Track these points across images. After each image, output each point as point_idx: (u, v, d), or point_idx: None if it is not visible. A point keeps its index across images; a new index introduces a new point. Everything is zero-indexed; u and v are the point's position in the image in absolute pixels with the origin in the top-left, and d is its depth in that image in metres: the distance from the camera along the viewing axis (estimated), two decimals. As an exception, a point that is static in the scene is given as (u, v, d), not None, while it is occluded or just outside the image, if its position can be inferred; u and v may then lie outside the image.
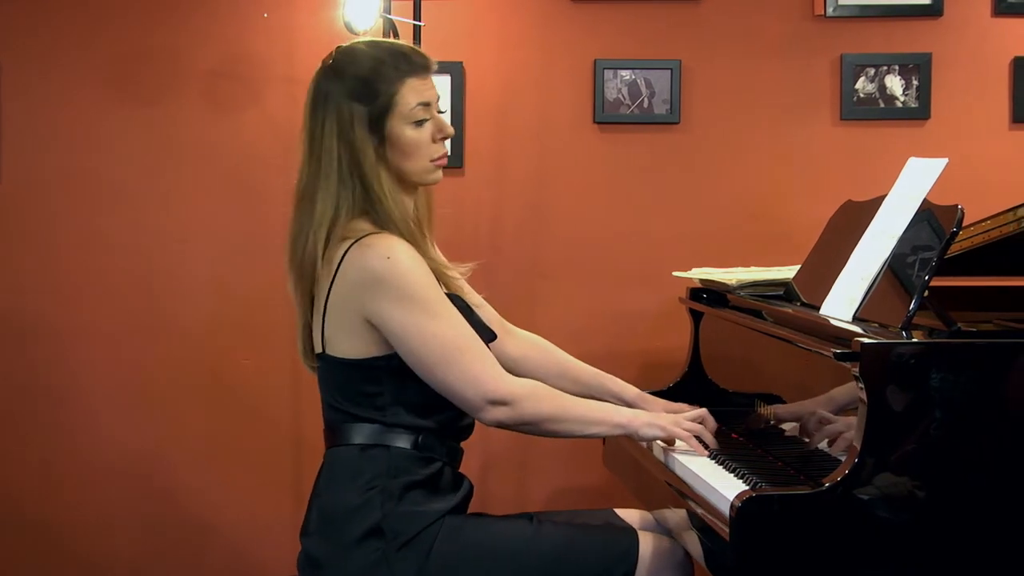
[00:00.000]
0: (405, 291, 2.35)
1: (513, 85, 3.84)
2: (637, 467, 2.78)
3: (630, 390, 2.80)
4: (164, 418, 3.84)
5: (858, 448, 2.20)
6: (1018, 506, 2.24)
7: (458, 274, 2.53)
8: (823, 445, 2.46)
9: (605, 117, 3.82)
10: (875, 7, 3.81)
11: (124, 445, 3.84)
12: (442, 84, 3.77)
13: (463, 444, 2.55)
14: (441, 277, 2.46)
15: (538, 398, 2.42)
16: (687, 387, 3.18)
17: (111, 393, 3.83)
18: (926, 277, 2.38)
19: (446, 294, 2.43)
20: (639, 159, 3.84)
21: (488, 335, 2.52)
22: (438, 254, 2.58)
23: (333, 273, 2.40)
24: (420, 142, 2.45)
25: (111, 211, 3.81)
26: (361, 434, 2.43)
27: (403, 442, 2.42)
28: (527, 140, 3.84)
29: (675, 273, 3.32)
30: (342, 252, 2.39)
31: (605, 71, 3.80)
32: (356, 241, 2.38)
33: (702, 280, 3.23)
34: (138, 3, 3.78)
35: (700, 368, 3.21)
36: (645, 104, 3.82)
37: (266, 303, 3.82)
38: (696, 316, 3.25)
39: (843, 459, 2.25)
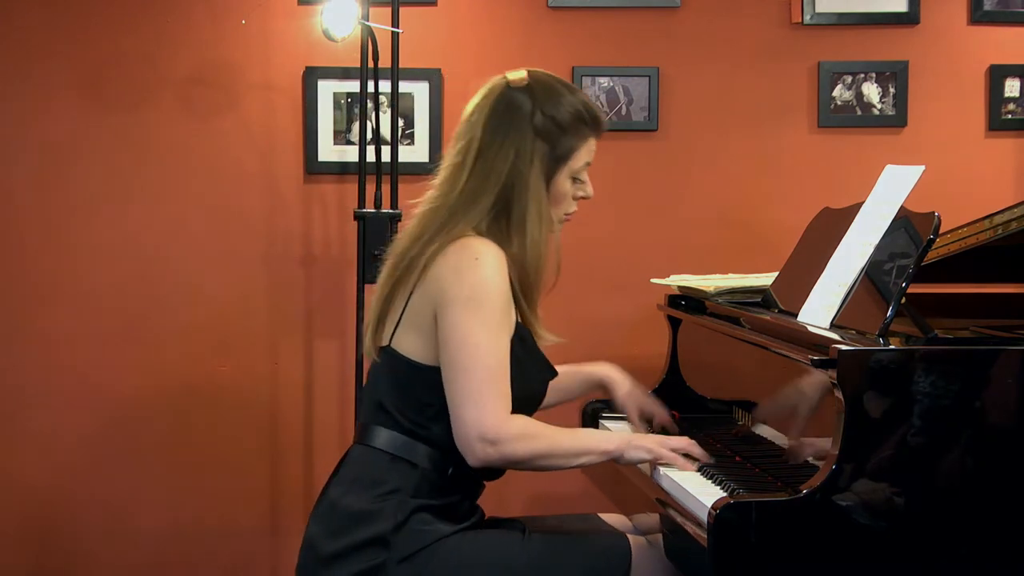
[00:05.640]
0: (475, 292, 2.34)
1: (491, 92, 3.83)
2: (616, 474, 2.78)
3: (600, 368, 2.84)
4: (140, 425, 3.82)
5: (836, 454, 2.20)
6: (995, 511, 2.25)
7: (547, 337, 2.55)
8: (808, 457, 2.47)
9: (583, 124, 3.82)
10: (852, 15, 3.83)
11: (99, 451, 3.82)
12: (420, 91, 3.77)
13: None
14: (527, 319, 2.48)
15: (527, 438, 2.38)
16: (665, 394, 3.17)
17: (86, 399, 3.81)
18: (903, 284, 2.39)
19: (516, 323, 2.44)
20: (617, 166, 3.84)
21: (547, 372, 2.55)
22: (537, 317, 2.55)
23: (423, 268, 2.40)
24: (567, 196, 2.51)
25: (86, 217, 3.79)
26: (393, 442, 2.42)
27: (431, 464, 2.41)
28: (505, 147, 3.83)
29: (653, 280, 3.32)
30: (438, 250, 2.40)
31: (583, 78, 3.80)
32: (455, 241, 2.40)
33: (680, 287, 3.23)
34: (114, 9, 3.77)
35: (678, 375, 3.22)
36: (623, 111, 3.83)
37: (243, 310, 3.81)
38: (674, 323, 3.25)
39: (822, 466, 2.25)
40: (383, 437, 2.44)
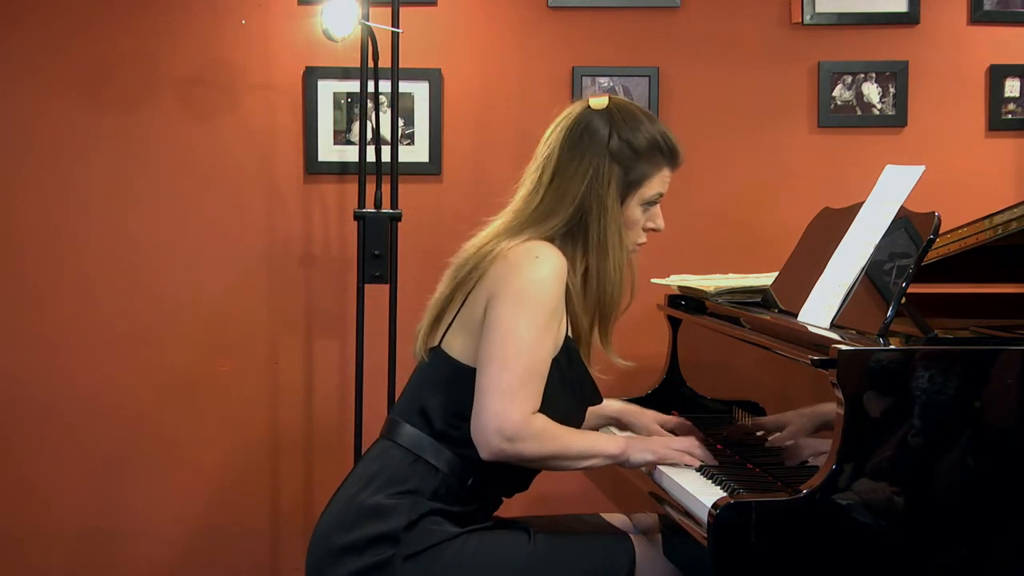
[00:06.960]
0: (527, 287, 2.36)
1: (491, 92, 3.83)
2: (616, 474, 2.78)
3: (611, 405, 2.82)
4: (139, 425, 3.82)
5: (835, 454, 2.20)
6: (995, 511, 2.25)
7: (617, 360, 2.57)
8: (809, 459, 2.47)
9: (583, 124, 3.81)
10: (852, 15, 3.83)
11: (99, 453, 3.82)
12: (420, 91, 3.77)
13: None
14: (580, 333, 2.49)
15: (542, 439, 2.38)
16: (665, 394, 3.18)
17: (86, 400, 3.81)
18: (903, 284, 2.39)
19: (565, 337, 2.45)
20: (617, 166, 3.84)
21: (591, 395, 2.56)
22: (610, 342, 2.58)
23: (484, 270, 2.42)
24: (637, 224, 2.52)
25: (86, 217, 3.79)
26: (419, 442, 2.44)
27: (453, 471, 2.42)
28: (505, 147, 3.83)
29: (653, 280, 3.32)
30: (501, 252, 2.42)
31: (583, 78, 3.80)
32: (521, 243, 2.42)
33: (680, 287, 3.23)
34: (114, 9, 3.77)
35: (678, 375, 3.22)
36: (623, 111, 3.82)
37: (243, 310, 3.81)
38: (674, 323, 3.25)
39: (822, 466, 2.25)
40: (409, 435, 2.45)
